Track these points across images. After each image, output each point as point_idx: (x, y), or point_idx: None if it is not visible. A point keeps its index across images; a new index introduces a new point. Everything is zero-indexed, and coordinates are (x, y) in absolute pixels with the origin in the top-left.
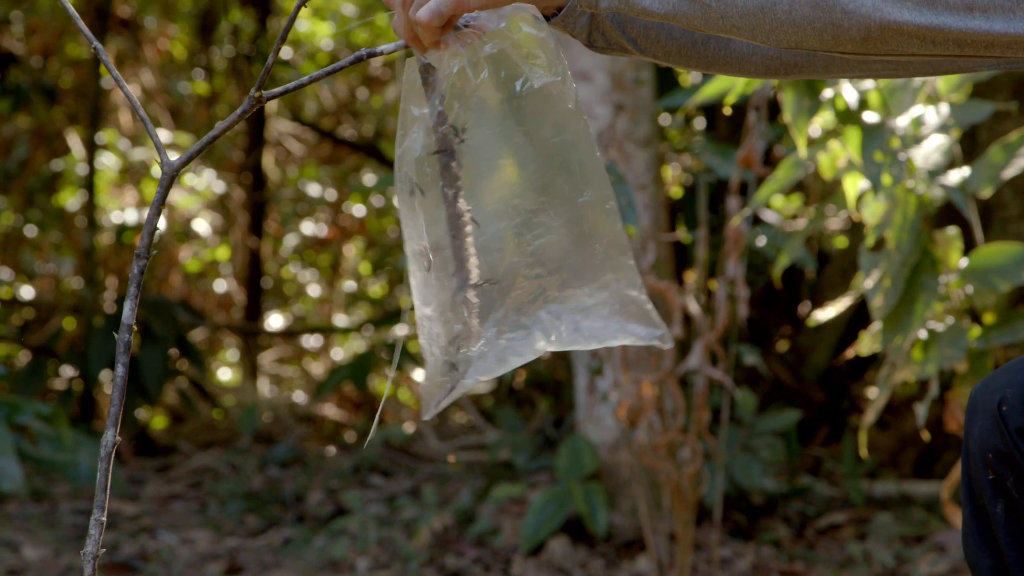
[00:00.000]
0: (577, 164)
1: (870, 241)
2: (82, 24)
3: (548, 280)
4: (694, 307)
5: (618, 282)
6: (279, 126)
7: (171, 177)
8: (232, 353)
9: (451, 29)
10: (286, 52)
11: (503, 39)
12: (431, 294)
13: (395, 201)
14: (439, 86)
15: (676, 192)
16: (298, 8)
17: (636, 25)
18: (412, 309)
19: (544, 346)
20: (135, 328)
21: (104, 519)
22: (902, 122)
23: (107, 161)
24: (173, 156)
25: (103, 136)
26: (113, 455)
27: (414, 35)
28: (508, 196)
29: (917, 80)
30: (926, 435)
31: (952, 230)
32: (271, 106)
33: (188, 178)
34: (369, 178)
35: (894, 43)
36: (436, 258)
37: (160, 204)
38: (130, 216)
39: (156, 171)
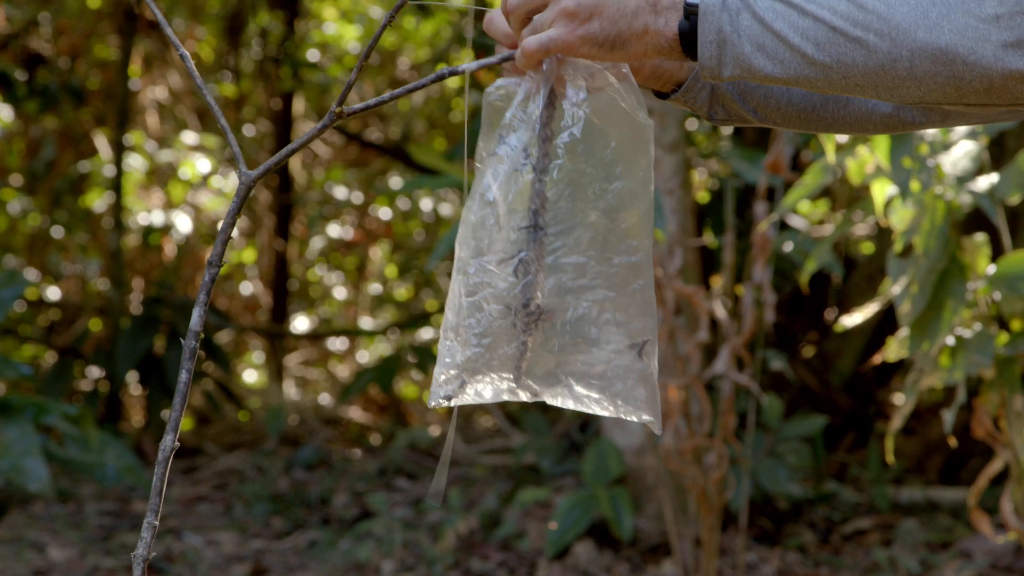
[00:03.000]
0: (639, 219)
1: (898, 247)
2: (170, 31)
3: (580, 329)
4: (721, 312)
5: (628, 351)
6: (306, 129)
7: (248, 187)
8: (258, 355)
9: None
10: (313, 55)
11: (601, 82)
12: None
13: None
14: (558, 110)
15: (703, 197)
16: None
17: (757, 95)
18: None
19: (537, 398)
20: (156, 329)
21: (156, 523)
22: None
23: (134, 163)
24: (202, 160)
25: (130, 138)
26: (170, 460)
27: (528, 58)
28: (577, 237)
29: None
30: (953, 441)
31: (980, 236)
32: (298, 108)
33: (215, 180)
34: (396, 181)
35: (1017, 91)
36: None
37: (236, 213)
38: (157, 218)
39: (186, 172)
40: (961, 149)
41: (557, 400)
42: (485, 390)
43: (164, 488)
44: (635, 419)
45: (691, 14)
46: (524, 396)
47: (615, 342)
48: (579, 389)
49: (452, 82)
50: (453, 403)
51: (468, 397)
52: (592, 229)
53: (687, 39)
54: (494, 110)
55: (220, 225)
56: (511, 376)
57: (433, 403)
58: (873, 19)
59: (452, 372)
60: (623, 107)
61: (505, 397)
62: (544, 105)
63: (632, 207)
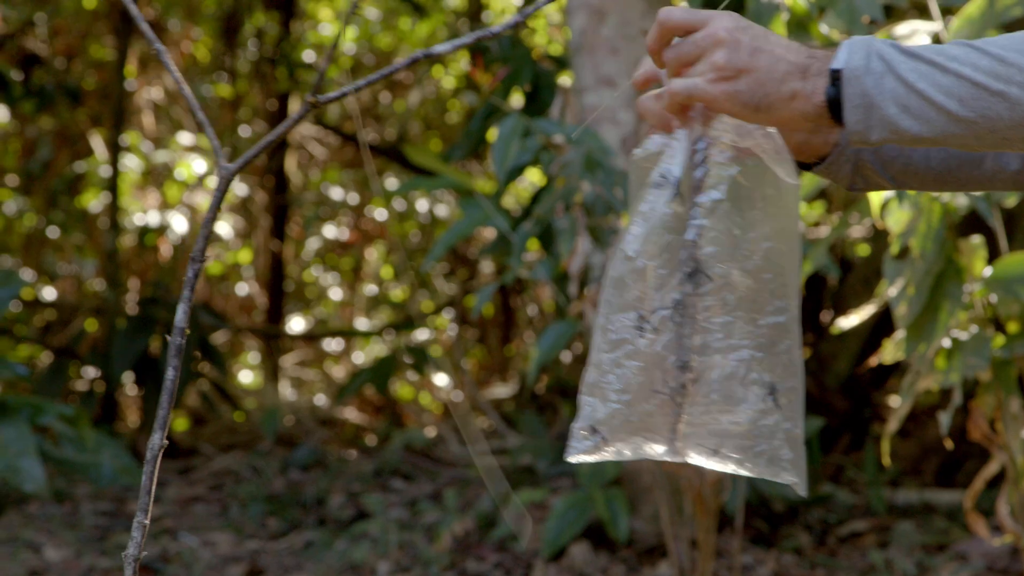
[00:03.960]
0: (786, 280)
1: (894, 249)
2: (146, 27)
3: (726, 389)
4: None
5: (775, 411)
6: (302, 129)
7: (227, 181)
8: (254, 356)
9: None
10: (309, 56)
11: (749, 142)
12: (633, 354)
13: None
14: (709, 167)
15: None
16: (348, 16)
17: (897, 164)
18: (435, 314)
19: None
20: (152, 331)
21: (147, 522)
22: None
23: (130, 163)
24: (198, 161)
25: (126, 138)
26: (159, 459)
27: (660, 112)
28: (724, 297)
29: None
30: (949, 444)
31: (976, 239)
32: (294, 109)
33: (211, 180)
34: (391, 182)
35: None
36: (652, 326)
37: (217, 208)
38: (153, 218)
39: (182, 172)
40: None
41: (700, 460)
42: (626, 448)
43: (154, 488)
44: (779, 480)
45: (836, 80)
46: (669, 457)
47: (761, 403)
48: (724, 450)
49: (448, 83)
50: (593, 459)
51: (608, 454)
52: (739, 289)
53: (834, 105)
54: (641, 169)
55: (203, 220)
56: (655, 434)
57: (573, 458)
58: (1014, 72)
59: (591, 428)
60: (769, 167)
61: (649, 456)
62: (690, 163)
63: (779, 267)
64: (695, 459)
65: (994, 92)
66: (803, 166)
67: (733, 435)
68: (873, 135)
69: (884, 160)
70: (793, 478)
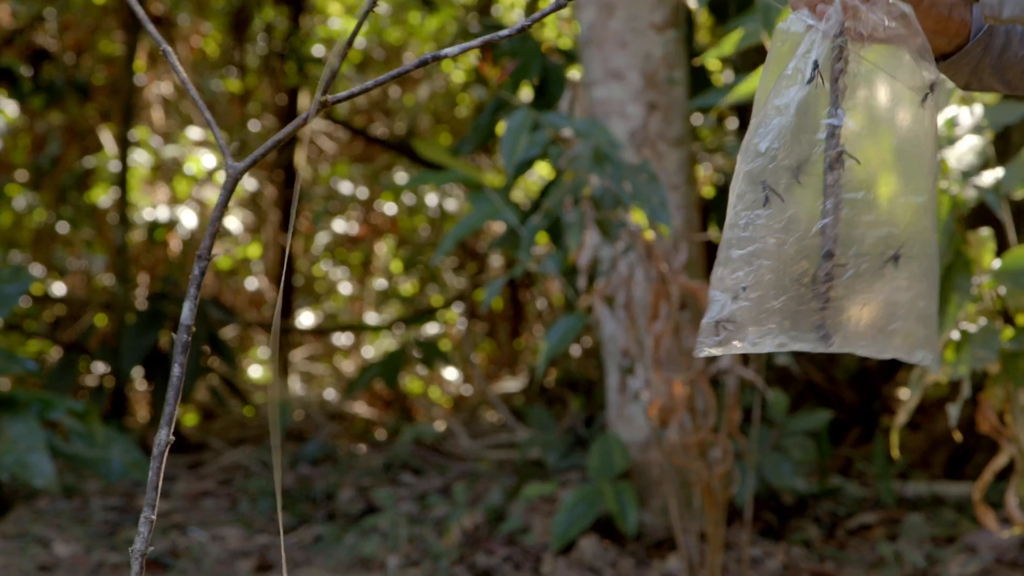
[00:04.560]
0: (925, 166)
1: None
2: (151, 27)
3: (867, 274)
4: None
5: (912, 291)
6: (312, 124)
7: (235, 180)
8: (263, 350)
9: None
10: (319, 50)
11: (888, 34)
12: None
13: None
14: (851, 61)
15: (708, 192)
16: (366, 14)
17: (1015, 70)
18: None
19: (813, 347)
20: (165, 326)
21: (154, 517)
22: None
23: (139, 158)
24: (208, 156)
25: (135, 133)
26: (165, 454)
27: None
28: (871, 186)
29: (950, 82)
30: (958, 436)
31: (985, 231)
32: (304, 103)
33: (220, 176)
34: (401, 176)
35: None
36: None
37: (224, 206)
38: (162, 213)
39: (191, 168)
40: (966, 144)
41: (841, 347)
42: (760, 342)
43: (161, 483)
44: (912, 360)
45: None
46: (811, 347)
47: (895, 280)
48: (861, 338)
49: (457, 77)
50: (720, 353)
51: (738, 347)
52: (879, 173)
53: None
54: (778, 55)
55: (210, 218)
56: (794, 327)
57: (701, 353)
58: None
59: (719, 324)
60: (910, 60)
61: (782, 349)
62: (831, 53)
63: (916, 154)
64: (839, 347)
65: None
66: None
67: (869, 315)
68: (1005, 11)
69: (1003, 65)
70: (928, 355)
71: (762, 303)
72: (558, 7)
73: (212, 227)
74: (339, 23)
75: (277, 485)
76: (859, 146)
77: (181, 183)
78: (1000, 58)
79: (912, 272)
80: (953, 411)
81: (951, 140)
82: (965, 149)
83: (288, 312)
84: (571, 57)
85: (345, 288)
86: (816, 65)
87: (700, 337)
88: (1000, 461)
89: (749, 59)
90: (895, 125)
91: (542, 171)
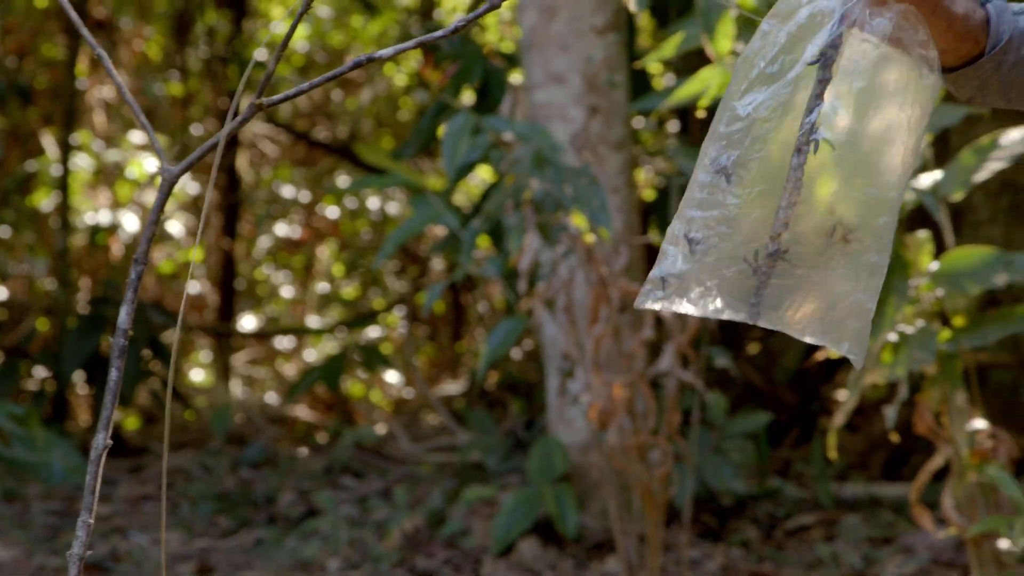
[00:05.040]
0: (900, 160)
1: None
2: (85, 32)
3: (809, 262)
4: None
5: (854, 283)
6: (253, 127)
7: (171, 183)
8: (205, 354)
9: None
10: (261, 54)
11: (898, 33)
12: (724, 211)
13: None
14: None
15: (649, 195)
16: (301, 15)
17: (1022, 87)
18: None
19: (745, 317)
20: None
21: (91, 521)
22: None
23: (81, 162)
24: (150, 160)
25: (77, 137)
26: (102, 458)
27: None
28: (843, 171)
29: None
30: (895, 437)
31: (923, 233)
32: (243, 104)
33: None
34: (343, 180)
35: None
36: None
37: (160, 210)
38: (104, 217)
39: (133, 172)
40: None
41: (769, 323)
42: (698, 305)
43: (98, 487)
44: (838, 350)
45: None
46: (741, 318)
47: (842, 271)
48: (793, 322)
49: (399, 80)
50: (660, 307)
51: (675, 306)
52: (848, 160)
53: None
54: (779, 21)
55: (146, 221)
56: (731, 297)
57: (642, 305)
58: None
59: (664, 279)
60: (912, 61)
61: (716, 315)
62: (831, 41)
63: (896, 145)
64: (766, 323)
65: None
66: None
67: (807, 299)
68: (1007, 60)
69: (1010, 82)
70: (855, 348)
71: (712, 268)
72: (492, 8)
73: (148, 231)
74: (281, 27)
75: None
76: (836, 132)
77: (123, 187)
78: (1009, 74)
79: (859, 264)
80: (890, 413)
81: None
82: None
83: (230, 316)
84: (512, 61)
85: (287, 292)
86: (821, 50)
87: (645, 288)
88: (937, 462)
89: (690, 62)
90: (878, 117)
91: (483, 175)
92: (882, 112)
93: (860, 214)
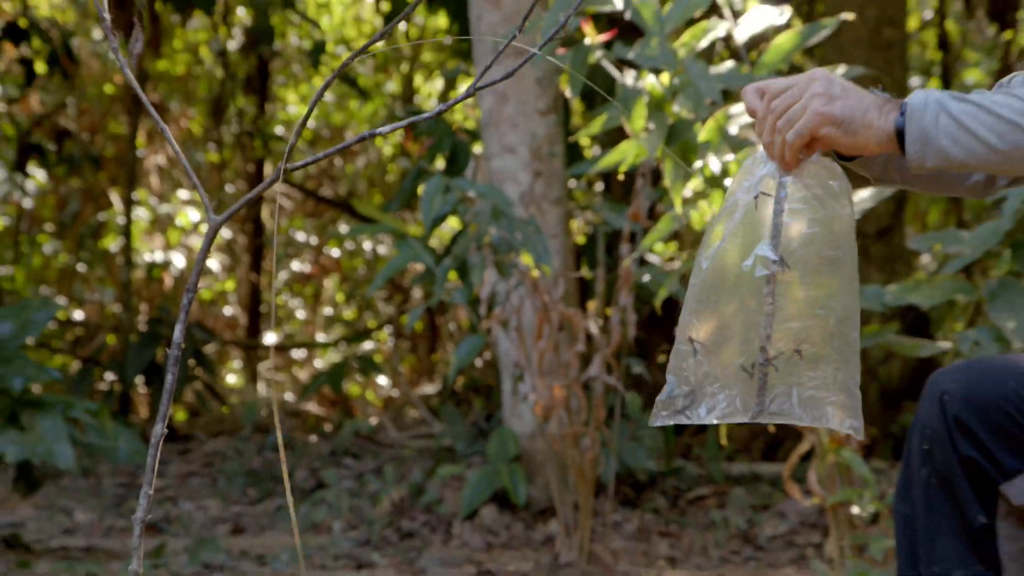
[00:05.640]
0: (845, 278)
1: None
2: (154, 112)
3: (799, 362)
4: (594, 328)
5: (843, 375)
6: (274, 187)
7: (215, 230)
8: (237, 363)
9: (809, 155)
10: (279, 130)
11: (831, 174)
12: (720, 337)
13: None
14: (784, 200)
15: (581, 240)
16: (315, 101)
17: (918, 175)
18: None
19: (762, 417)
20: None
21: (151, 492)
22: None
23: (140, 214)
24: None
25: (137, 194)
26: (160, 443)
27: (781, 155)
28: (803, 293)
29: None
30: (772, 428)
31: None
32: (268, 172)
33: (203, 228)
34: (343, 228)
35: None
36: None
37: (207, 249)
38: (158, 256)
39: (181, 221)
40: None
41: (776, 419)
42: (706, 415)
43: (156, 466)
44: (842, 429)
45: (903, 114)
46: (751, 419)
47: (828, 368)
48: (797, 411)
49: (387, 151)
50: (672, 422)
51: (685, 419)
52: (808, 286)
53: (900, 135)
54: (742, 178)
55: (195, 260)
56: (735, 402)
57: (655, 423)
58: None
59: (671, 400)
60: (836, 200)
61: (731, 420)
62: (779, 194)
63: (840, 271)
64: (772, 419)
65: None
66: (843, 158)
67: (803, 397)
68: (928, 163)
69: (905, 169)
70: (855, 424)
71: (707, 385)
72: (466, 97)
73: (197, 266)
74: (295, 109)
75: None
76: (799, 258)
77: (173, 233)
78: (902, 160)
79: (837, 359)
80: None
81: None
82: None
83: (256, 333)
84: (474, 135)
85: (300, 314)
86: (764, 192)
87: (655, 410)
88: (803, 447)
89: (612, 136)
90: (829, 240)
91: (453, 224)
92: (830, 240)
93: (830, 326)
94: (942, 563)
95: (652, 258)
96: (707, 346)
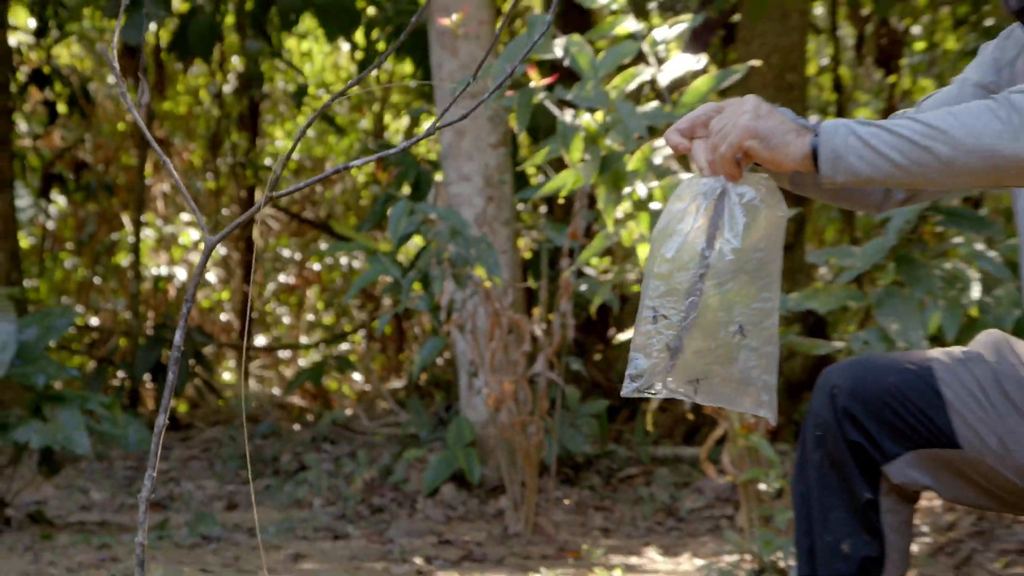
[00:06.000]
0: (767, 277)
1: None
2: (158, 149)
3: (729, 350)
4: (538, 331)
5: (760, 367)
6: (264, 210)
7: (211, 248)
8: (231, 362)
9: (744, 167)
10: (268, 161)
11: (766, 183)
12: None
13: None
14: (726, 206)
15: (527, 255)
16: (299, 137)
17: (830, 189)
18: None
19: (691, 397)
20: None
21: (155, 474)
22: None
23: (148, 234)
24: (194, 232)
25: (145, 217)
26: (162, 432)
27: (722, 167)
28: (735, 281)
29: (689, 178)
30: (691, 416)
31: None
32: (258, 197)
33: (202, 245)
34: (323, 245)
35: None
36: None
37: (204, 264)
38: (163, 271)
39: (182, 240)
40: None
41: (703, 400)
42: (662, 388)
43: (160, 451)
44: (759, 413)
45: (817, 136)
46: (682, 397)
47: (749, 360)
48: (725, 395)
49: (361, 179)
50: (637, 395)
51: (649, 392)
52: (738, 283)
53: (815, 155)
54: (683, 195)
55: (192, 273)
56: (675, 383)
57: (626, 394)
58: (938, 134)
59: (638, 374)
60: (767, 204)
61: (675, 396)
62: (719, 202)
63: (767, 270)
64: (702, 400)
65: (923, 147)
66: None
67: (732, 382)
68: (839, 178)
69: (818, 182)
70: (768, 413)
71: (662, 364)
72: (428, 134)
73: (195, 279)
74: (281, 143)
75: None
76: (737, 255)
77: (176, 250)
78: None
79: (758, 353)
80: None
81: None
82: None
83: (248, 336)
84: (436, 166)
85: (286, 319)
86: (704, 203)
87: (625, 383)
88: (718, 432)
89: (553, 166)
90: (764, 238)
91: (417, 241)
92: (759, 243)
93: (754, 319)
94: (834, 533)
95: (588, 271)
96: (667, 325)
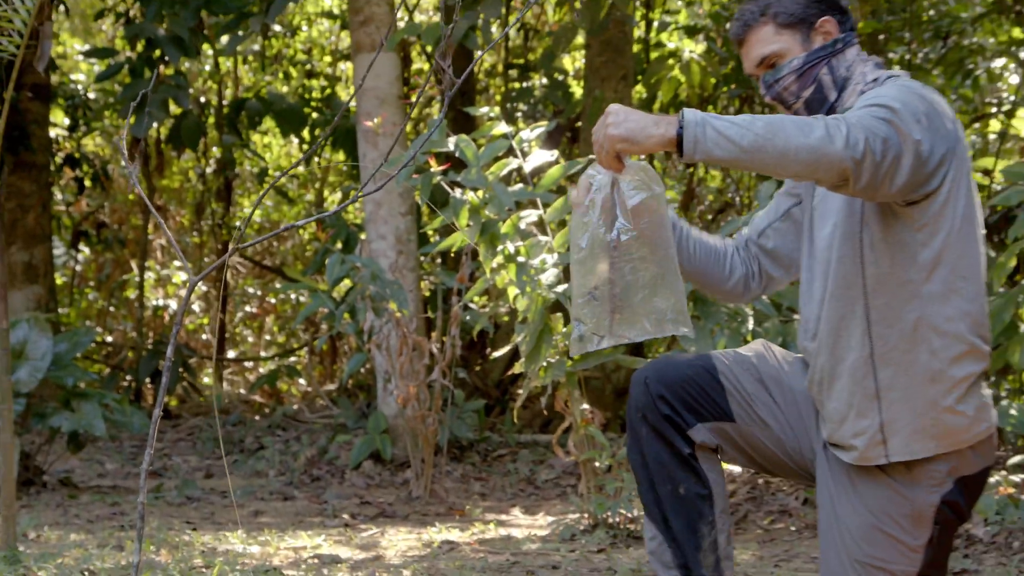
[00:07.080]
0: (660, 240)
1: (520, 317)
2: (156, 213)
3: (636, 299)
4: (435, 349)
5: (673, 298)
6: (233, 258)
7: (194, 285)
8: (210, 369)
9: (625, 159)
10: (237, 222)
11: (639, 176)
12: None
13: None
14: (616, 196)
15: (427, 293)
16: (256, 204)
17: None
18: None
19: (621, 335)
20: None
21: (151, 450)
22: (535, 261)
23: (149, 275)
24: (183, 274)
25: (147, 263)
26: (158, 420)
27: (607, 166)
28: (637, 251)
29: (545, 240)
30: (546, 412)
31: (559, 314)
32: (229, 247)
33: (188, 284)
34: (278, 285)
35: (847, 168)
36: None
37: (189, 298)
38: (160, 302)
39: (175, 280)
40: (551, 272)
41: (634, 338)
42: (596, 345)
43: (155, 434)
44: (678, 333)
45: (681, 127)
46: (620, 342)
47: (661, 299)
48: (647, 329)
49: (306, 237)
50: (581, 351)
51: (589, 347)
52: (642, 251)
53: (679, 141)
54: (582, 188)
55: (180, 304)
56: (612, 336)
57: (574, 353)
58: (775, 130)
59: (580, 336)
60: (652, 189)
61: (611, 343)
62: (611, 192)
63: (660, 238)
64: (623, 339)
65: (765, 138)
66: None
67: (653, 319)
68: (696, 157)
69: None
70: (685, 330)
71: (594, 326)
72: (353, 202)
73: (181, 309)
74: (248, 210)
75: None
76: (637, 223)
77: (170, 288)
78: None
79: (661, 298)
80: (544, 400)
81: (543, 269)
82: (549, 274)
83: (222, 350)
84: (361, 228)
85: (250, 339)
86: (600, 197)
87: (572, 344)
88: (565, 424)
89: (447, 229)
90: (654, 209)
91: (347, 283)
92: (648, 216)
93: (658, 275)
94: (671, 482)
95: (472, 306)
96: (600, 295)
